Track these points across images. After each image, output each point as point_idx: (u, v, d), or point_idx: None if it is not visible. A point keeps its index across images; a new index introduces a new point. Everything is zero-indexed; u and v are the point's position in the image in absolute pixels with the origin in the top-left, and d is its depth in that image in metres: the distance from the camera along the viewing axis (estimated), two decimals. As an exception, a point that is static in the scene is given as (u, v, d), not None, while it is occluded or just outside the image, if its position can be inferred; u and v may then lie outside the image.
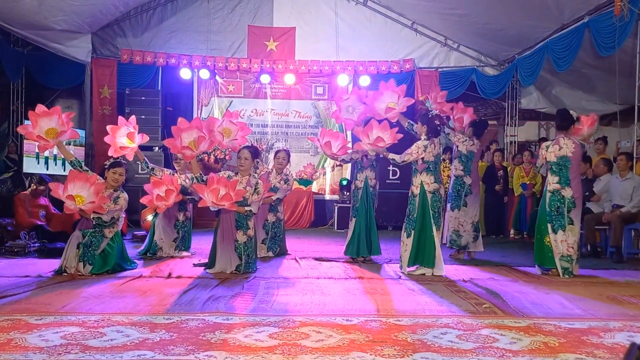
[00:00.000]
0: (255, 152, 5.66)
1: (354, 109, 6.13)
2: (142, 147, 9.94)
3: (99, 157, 9.74)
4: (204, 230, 8.59)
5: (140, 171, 9.15)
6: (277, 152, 6.91)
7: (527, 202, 9.23)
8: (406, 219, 5.47)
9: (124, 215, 7.36)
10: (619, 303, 4.21)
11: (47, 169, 9.17)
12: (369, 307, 3.90)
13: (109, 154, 5.51)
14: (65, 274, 4.96)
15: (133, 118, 5.74)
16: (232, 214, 5.26)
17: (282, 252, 6.65)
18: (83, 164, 5.32)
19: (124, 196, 5.35)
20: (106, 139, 5.59)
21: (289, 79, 10.84)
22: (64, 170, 9.24)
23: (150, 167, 6.11)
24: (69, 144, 9.26)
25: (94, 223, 5.18)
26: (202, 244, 6.82)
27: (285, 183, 6.67)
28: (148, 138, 5.91)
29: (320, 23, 10.93)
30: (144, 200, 5.60)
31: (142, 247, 6.38)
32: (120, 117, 5.87)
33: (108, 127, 5.64)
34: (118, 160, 5.43)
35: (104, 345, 2.87)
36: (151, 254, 6.18)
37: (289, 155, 6.85)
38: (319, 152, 11.13)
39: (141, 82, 10.62)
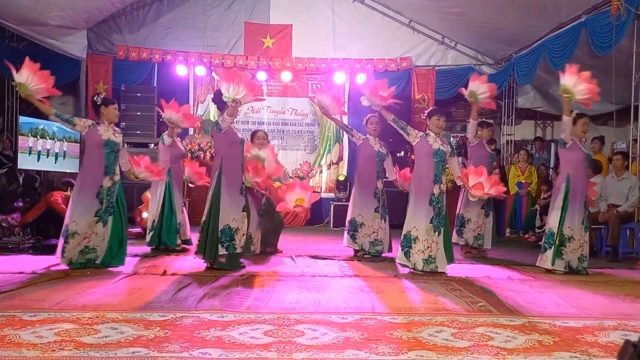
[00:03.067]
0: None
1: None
2: (137, 144, 9.95)
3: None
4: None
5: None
6: (255, 132, 6.55)
7: (523, 201, 9.24)
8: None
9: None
10: (614, 302, 4.23)
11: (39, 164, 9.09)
12: (365, 305, 3.90)
13: None
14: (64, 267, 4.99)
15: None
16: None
17: (273, 248, 6.59)
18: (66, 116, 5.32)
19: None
20: None
21: (286, 76, 10.81)
22: (57, 165, 9.20)
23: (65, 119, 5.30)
24: (62, 140, 9.24)
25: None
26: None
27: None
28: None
29: (317, 20, 10.90)
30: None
31: (149, 239, 6.35)
32: None
33: None
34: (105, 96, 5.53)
35: (98, 342, 2.86)
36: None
37: (266, 134, 6.63)
38: (316, 149, 11.16)
39: (137, 79, 10.58)
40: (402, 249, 5.32)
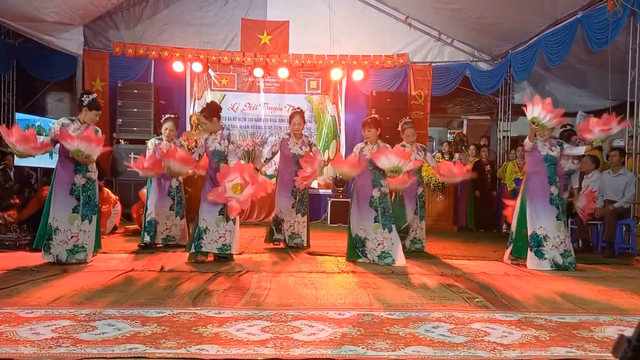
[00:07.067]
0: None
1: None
2: (135, 141, 9.93)
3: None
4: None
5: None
6: (292, 116, 6.59)
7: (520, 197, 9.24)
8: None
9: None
10: (610, 297, 4.24)
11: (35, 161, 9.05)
12: (361, 301, 3.90)
13: None
14: (57, 266, 4.97)
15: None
16: None
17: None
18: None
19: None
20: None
21: (283, 72, 10.80)
22: (52, 160, 9.16)
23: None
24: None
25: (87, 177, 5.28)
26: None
27: (311, 147, 6.52)
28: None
29: (314, 17, 10.89)
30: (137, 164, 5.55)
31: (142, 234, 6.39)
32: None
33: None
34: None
35: (96, 339, 2.85)
36: (150, 231, 6.24)
37: (303, 116, 6.65)
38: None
39: (133, 75, 10.57)
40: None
